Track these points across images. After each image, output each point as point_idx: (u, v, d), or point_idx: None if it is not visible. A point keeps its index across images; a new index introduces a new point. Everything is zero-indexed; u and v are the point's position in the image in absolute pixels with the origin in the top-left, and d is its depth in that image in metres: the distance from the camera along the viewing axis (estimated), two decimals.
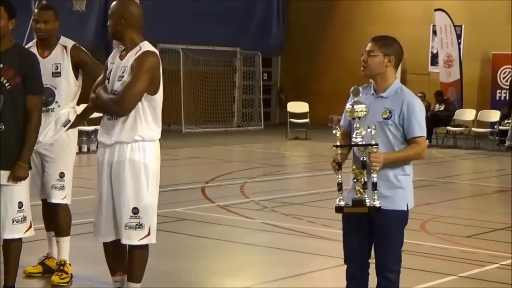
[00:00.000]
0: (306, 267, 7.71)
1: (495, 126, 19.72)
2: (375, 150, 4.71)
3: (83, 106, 6.58)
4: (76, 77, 6.58)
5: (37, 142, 6.23)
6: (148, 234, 5.46)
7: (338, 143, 4.78)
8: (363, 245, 4.97)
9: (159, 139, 5.55)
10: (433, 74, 22.86)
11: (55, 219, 6.60)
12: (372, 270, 5.01)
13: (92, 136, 15.91)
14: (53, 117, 6.47)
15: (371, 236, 4.94)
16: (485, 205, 11.91)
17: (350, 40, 23.35)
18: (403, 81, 20.97)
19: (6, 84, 5.58)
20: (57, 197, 6.53)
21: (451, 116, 20.07)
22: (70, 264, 6.62)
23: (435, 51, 22.94)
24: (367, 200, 4.72)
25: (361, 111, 4.80)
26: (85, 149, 16.00)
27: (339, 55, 24.01)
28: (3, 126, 5.56)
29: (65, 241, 6.62)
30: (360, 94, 4.83)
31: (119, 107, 5.34)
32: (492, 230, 9.50)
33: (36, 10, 6.57)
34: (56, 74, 6.48)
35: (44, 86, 6.00)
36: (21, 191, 5.70)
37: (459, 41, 22.03)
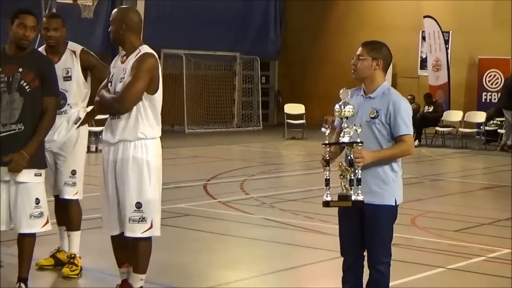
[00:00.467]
0: (304, 259, 7.72)
1: (481, 127, 19.72)
2: (359, 148, 4.73)
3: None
4: (86, 79, 6.59)
5: (51, 141, 6.27)
6: (151, 227, 5.47)
7: (327, 142, 4.80)
8: (357, 239, 4.98)
9: (161, 138, 5.56)
10: (422, 78, 22.85)
11: (67, 214, 6.63)
12: (366, 262, 5.02)
13: (100, 136, 15.81)
14: (65, 118, 6.48)
15: (363, 230, 4.96)
16: (472, 201, 11.91)
17: (342, 46, 23.33)
18: (394, 84, 20.96)
19: (26, 87, 5.60)
20: (69, 193, 6.55)
21: (440, 117, 20.07)
22: (80, 257, 6.63)
23: (424, 56, 22.92)
24: (352, 195, 4.73)
25: (349, 111, 4.82)
26: (93, 148, 15.96)
27: (332, 59, 24.00)
28: (22, 127, 5.58)
29: (76, 235, 6.64)
30: (349, 96, 4.85)
31: (120, 104, 5.36)
32: (479, 225, 9.51)
33: (45, 19, 6.53)
34: (67, 78, 6.48)
35: None
36: (37, 188, 5.73)
37: (447, 46, 22.02)
